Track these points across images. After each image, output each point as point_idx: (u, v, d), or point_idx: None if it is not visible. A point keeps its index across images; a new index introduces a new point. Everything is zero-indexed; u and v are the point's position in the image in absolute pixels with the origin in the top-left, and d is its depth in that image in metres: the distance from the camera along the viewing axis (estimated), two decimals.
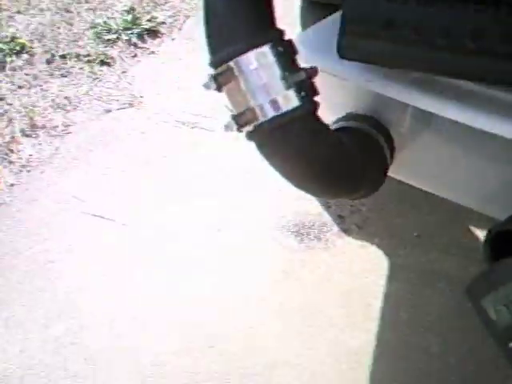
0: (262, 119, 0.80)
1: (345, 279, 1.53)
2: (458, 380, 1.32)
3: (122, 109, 2.14)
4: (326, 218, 1.71)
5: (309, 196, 1.84)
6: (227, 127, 0.84)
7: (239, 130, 0.84)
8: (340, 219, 1.70)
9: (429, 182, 1.02)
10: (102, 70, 2.31)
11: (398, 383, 1.33)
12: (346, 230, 1.66)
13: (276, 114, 0.79)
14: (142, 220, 1.74)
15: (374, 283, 1.51)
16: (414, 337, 1.40)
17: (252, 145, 0.87)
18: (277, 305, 1.50)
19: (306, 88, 0.79)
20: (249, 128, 0.83)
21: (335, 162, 0.83)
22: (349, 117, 1.03)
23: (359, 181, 0.88)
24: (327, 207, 1.74)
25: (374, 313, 1.45)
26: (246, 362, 1.39)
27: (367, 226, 1.67)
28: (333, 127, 1.00)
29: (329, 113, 1.06)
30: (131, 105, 2.15)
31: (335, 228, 1.68)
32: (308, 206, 1.75)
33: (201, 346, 1.42)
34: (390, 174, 1.05)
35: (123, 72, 2.31)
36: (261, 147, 0.85)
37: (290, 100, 0.79)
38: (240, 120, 0.81)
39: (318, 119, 0.84)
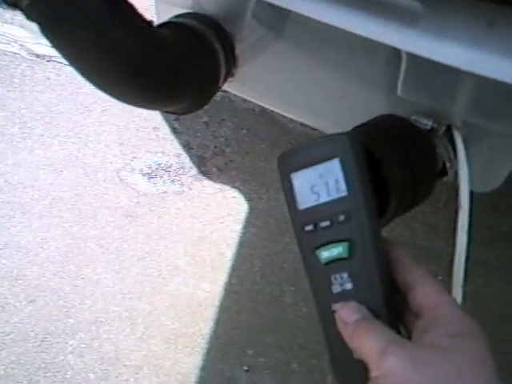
0: None
1: (196, 225, 1.36)
2: (309, 328, 1.21)
3: None
4: (186, 159, 1.53)
5: (168, 136, 1.66)
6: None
7: (13, 4, 0.61)
8: (201, 161, 1.52)
9: (275, 100, 0.86)
10: None
11: (249, 335, 1.20)
12: (206, 173, 1.49)
13: None
14: None
15: (229, 229, 1.35)
16: (268, 287, 1.27)
17: None
18: (114, 252, 1.31)
19: None
20: None
21: (141, 51, 0.64)
22: (184, 15, 0.83)
23: (176, 83, 0.70)
24: (188, 148, 1.56)
25: (226, 262, 1.30)
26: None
27: (229, 169, 1.50)
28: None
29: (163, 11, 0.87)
30: None
31: (194, 171, 1.50)
32: (167, 146, 1.55)
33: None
34: (231, 88, 0.87)
35: None
36: (44, 27, 0.63)
37: None
38: None
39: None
